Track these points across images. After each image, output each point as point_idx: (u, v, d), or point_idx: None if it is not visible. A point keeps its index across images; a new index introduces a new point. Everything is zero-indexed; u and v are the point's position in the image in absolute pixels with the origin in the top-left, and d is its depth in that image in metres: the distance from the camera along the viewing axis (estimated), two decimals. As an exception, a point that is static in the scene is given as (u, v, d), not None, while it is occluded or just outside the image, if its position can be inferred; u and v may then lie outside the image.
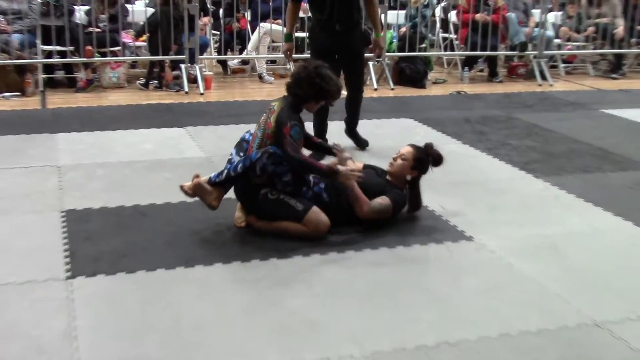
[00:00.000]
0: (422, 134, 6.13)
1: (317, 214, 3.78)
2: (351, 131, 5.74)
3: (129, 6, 8.42)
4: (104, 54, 7.88)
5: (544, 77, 9.02)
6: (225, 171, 3.87)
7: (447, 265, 3.57)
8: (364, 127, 5.98)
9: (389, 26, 9.10)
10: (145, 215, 4.13)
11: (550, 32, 9.45)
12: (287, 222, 3.80)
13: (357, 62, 5.56)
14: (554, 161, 5.42)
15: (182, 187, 3.89)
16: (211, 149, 5.53)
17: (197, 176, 3.88)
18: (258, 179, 3.79)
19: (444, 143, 5.87)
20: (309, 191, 3.92)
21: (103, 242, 3.71)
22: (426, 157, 4.15)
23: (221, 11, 9.02)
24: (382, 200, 3.95)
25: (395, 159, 4.14)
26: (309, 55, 5.64)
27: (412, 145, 4.19)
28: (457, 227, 4.03)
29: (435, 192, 4.60)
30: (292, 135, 3.80)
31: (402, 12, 9.18)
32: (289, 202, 3.79)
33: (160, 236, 3.81)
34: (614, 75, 9.50)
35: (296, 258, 3.57)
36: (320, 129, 5.45)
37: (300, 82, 3.93)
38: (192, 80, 8.12)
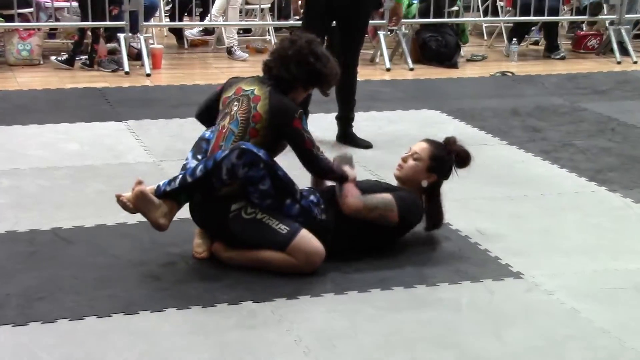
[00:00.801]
0: (453, 131, 6.18)
1: (307, 239, 3.83)
2: (346, 132, 5.82)
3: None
4: (9, 18, 7.91)
5: (625, 52, 9.08)
6: (180, 177, 3.91)
7: (486, 312, 3.60)
8: (372, 123, 6.05)
9: (407, -19, 9.17)
10: (69, 242, 4.16)
11: (635, -11, 9.52)
12: (267, 251, 3.85)
13: (361, 29, 5.64)
14: (638, 168, 5.48)
15: (119, 199, 3.92)
16: (161, 150, 5.57)
17: (140, 183, 3.90)
18: (225, 187, 3.84)
19: (482, 143, 5.93)
20: (294, 205, 3.95)
21: (10, 280, 3.73)
22: (447, 156, 4.21)
23: (175, -40, 9.06)
24: (378, 195, 4.02)
25: (405, 160, 4.18)
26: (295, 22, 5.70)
27: (428, 141, 4.24)
28: (499, 260, 4.08)
29: (469, 210, 4.64)
30: (307, 130, 3.92)
31: (427, -38, 9.26)
32: (269, 224, 3.84)
33: (90, 271, 3.83)
34: None
35: (278, 301, 3.60)
36: None
37: (287, 62, 3.99)
38: (135, 56, 8.17)
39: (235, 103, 4.02)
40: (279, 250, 3.81)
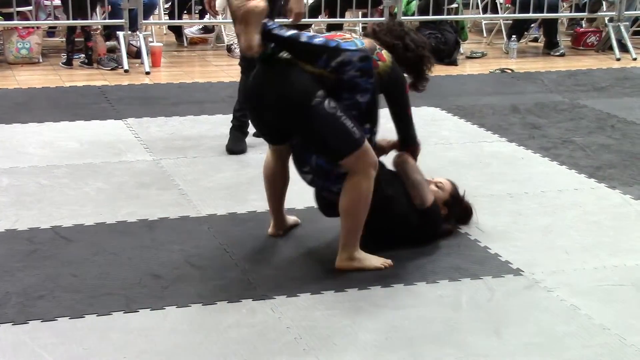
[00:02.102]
0: (453, 129, 6.19)
1: (370, 148, 3.85)
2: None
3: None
4: (8, 16, 7.92)
5: (624, 48, 9.09)
6: (294, 32, 3.79)
7: (486, 309, 3.61)
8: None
9: (407, -22, 9.18)
10: (69, 240, 4.17)
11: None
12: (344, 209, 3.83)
13: None
14: (637, 165, 5.49)
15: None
16: (160, 148, 5.58)
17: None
18: (321, 71, 3.76)
19: (482, 140, 5.94)
20: (370, 132, 3.95)
21: (9, 278, 3.74)
22: (461, 201, 4.40)
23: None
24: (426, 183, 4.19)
25: (429, 183, 4.25)
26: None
27: (450, 180, 4.41)
28: (499, 257, 4.09)
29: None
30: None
31: (426, -41, 9.26)
32: (345, 124, 3.74)
33: (89, 269, 3.84)
34: None
35: (278, 299, 3.61)
36: None
37: (407, 45, 4.04)
38: (134, 54, 8.18)
39: (355, 35, 4.03)
40: (345, 153, 3.75)
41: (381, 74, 3.88)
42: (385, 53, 3.92)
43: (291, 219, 4.34)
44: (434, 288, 3.77)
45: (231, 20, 8.95)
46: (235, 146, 5.56)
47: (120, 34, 7.97)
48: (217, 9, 8.74)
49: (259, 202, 4.60)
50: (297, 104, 3.74)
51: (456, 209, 4.37)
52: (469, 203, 4.45)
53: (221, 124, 6.05)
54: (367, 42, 3.90)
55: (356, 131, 3.76)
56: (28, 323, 3.37)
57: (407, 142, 4.19)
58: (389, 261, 3.94)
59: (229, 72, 7.98)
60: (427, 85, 4.24)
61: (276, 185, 4.17)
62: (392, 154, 4.23)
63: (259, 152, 5.38)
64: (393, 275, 3.85)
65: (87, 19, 7.94)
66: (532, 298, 3.71)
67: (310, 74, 3.75)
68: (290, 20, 5.26)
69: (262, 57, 3.77)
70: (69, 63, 8.01)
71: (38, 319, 3.40)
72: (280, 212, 4.23)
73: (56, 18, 8.37)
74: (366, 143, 3.79)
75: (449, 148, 5.73)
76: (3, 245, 4.08)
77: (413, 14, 8.89)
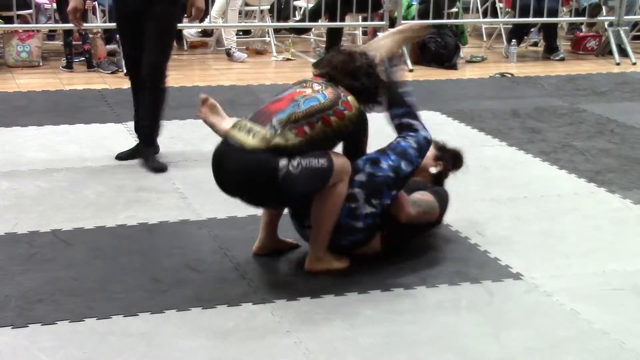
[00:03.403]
0: (453, 133, 6.19)
1: (336, 154, 3.85)
2: (148, 148, 5.40)
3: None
4: (8, 20, 7.93)
5: (623, 53, 9.10)
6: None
7: (486, 313, 3.61)
8: (371, 124, 6.00)
9: (407, -17, 9.19)
10: (68, 244, 4.17)
11: (634, -10, 9.54)
12: (320, 219, 3.84)
13: (165, 29, 5.32)
14: (637, 169, 5.49)
15: None
16: (161, 152, 5.57)
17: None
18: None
19: (482, 145, 5.95)
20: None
21: (9, 281, 3.74)
22: (447, 149, 4.44)
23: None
24: (421, 195, 4.07)
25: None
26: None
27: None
28: (499, 261, 4.09)
29: (469, 211, 4.65)
30: None
31: (426, -36, 9.27)
32: (313, 166, 3.72)
33: (89, 273, 3.85)
34: None
35: (278, 302, 3.61)
36: None
37: (355, 73, 3.96)
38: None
39: (317, 85, 3.92)
40: (325, 182, 3.74)
41: (347, 123, 3.82)
42: (350, 99, 3.86)
43: (287, 241, 4.19)
44: (433, 292, 3.77)
45: (231, 24, 8.99)
46: (159, 163, 5.32)
47: (120, 37, 7.96)
48: (214, 13, 8.79)
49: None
50: (262, 183, 3.71)
51: (447, 158, 4.38)
52: (456, 149, 4.48)
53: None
54: (329, 94, 3.83)
55: (324, 162, 3.73)
56: (28, 326, 3.37)
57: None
58: (347, 261, 3.98)
59: (229, 75, 7.99)
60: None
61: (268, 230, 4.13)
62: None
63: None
64: (392, 280, 3.85)
65: (86, 22, 7.93)
66: (532, 302, 3.71)
67: (264, 150, 3.67)
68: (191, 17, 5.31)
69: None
70: (69, 66, 8.03)
71: (38, 322, 3.40)
72: (272, 228, 4.11)
73: (56, 21, 8.37)
74: (335, 161, 3.77)
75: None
76: (3, 249, 4.08)
77: (413, 18, 8.90)
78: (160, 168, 5.23)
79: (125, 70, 7.76)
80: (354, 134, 3.92)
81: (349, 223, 3.89)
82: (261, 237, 4.10)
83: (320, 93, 3.83)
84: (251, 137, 3.69)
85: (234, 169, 3.74)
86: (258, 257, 4.06)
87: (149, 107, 5.31)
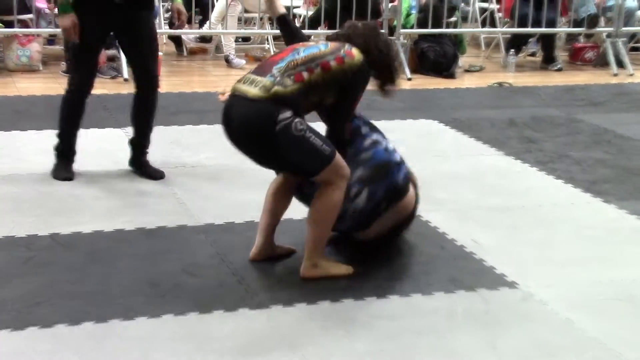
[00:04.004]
0: (450, 141, 6.21)
1: (341, 158, 3.84)
2: (140, 158, 5.34)
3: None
4: (9, 24, 7.94)
5: (621, 64, 9.12)
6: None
7: (482, 321, 3.62)
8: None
9: (406, -9, 9.21)
10: (66, 248, 4.18)
11: (632, 2, 9.55)
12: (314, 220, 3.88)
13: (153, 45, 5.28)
14: (633, 180, 5.51)
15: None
16: (159, 157, 5.57)
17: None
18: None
19: (479, 154, 5.96)
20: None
21: (6, 285, 3.74)
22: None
23: (175, -32, 9.09)
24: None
25: None
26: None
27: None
28: (495, 269, 4.10)
29: (465, 220, 4.66)
30: None
31: (425, -27, 9.29)
32: (315, 144, 3.73)
33: (87, 277, 3.85)
34: None
35: (274, 308, 3.62)
36: None
37: (375, 40, 3.98)
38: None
39: (322, 41, 4.02)
40: (317, 171, 3.78)
41: (346, 70, 3.80)
42: (355, 51, 3.86)
43: (284, 247, 4.20)
44: (429, 299, 3.78)
45: (231, 31, 9.00)
46: (60, 173, 5.16)
47: (121, 43, 7.97)
48: (213, 19, 8.80)
49: (257, 212, 4.61)
50: (259, 132, 3.73)
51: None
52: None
53: (221, 134, 6.05)
54: (332, 45, 3.86)
55: (326, 147, 3.75)
56: (25, 329, 3.37)
57: (336, 144, 3.93)
58: (351, 268, 3.97)
59: (228, 82, 7.97)
60: (393, 94, 4.11)
61: (277, 205, 4.11)
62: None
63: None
64: (388, 287, 3.87)
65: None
66: (527, 311, 3.72)
67: (266, 99, 3.69)
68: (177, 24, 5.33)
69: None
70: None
71: (35, 325, 3.40)
72: (270, 234, 4.11)
73: (57, 26, 8.35)
74: (337, 156, 3.79)
75: (446, 160, 5.75)
76: (1, 252, 4.08)
77: (412, 27, 8.93)
78: (159, 175, 5.24)
79: (125, 76, 7.79)
80: (350, 87, 3.87)
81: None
82: (258, 243, 4.10)
83: (323, 44, 3.90)
84: (253, 87, 3.74)
85: (237, 118, 3.78)
86: (255, 262, 4.06)
87: (150, 113, 5.29)
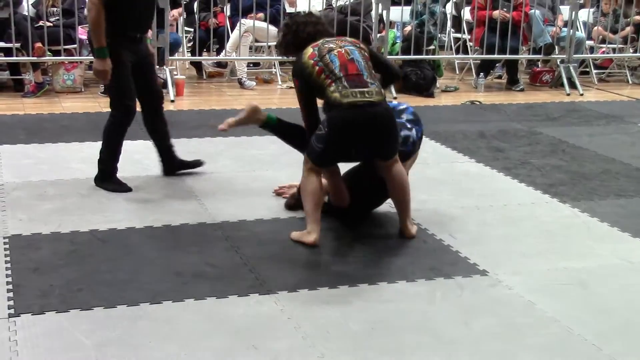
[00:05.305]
0: (430, 151, 6.19)
1: None
2: (175, 159, 5.33)
3: (86, -3, 8.50)
4: (57, 53, 7.94)
5: (573, 85, 9.12)
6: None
7: (457, 303, 3.61)
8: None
9: (391, 24, 9.21)
10: (104, 242, 4.16)
11: (581, 33, 9.56)
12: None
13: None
14: (584, 183, 5.49)
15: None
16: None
17: None
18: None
19: (454, 161, 5.95)
20: None
21: (53, 273, 3.74)
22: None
23: (195, 4, 9.08)
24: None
25: None
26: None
27: None
28: (468, 260, 4.09)
29: (443, 217, 4.65)
30: None
31: (407, 8, 9.28)
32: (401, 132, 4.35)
33: (121, 267, 3.84)
34: (655, 84, 9.63)
35: (281, 294, 3.60)
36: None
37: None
38: (161, 84, 8.17)
39: (332, 44, 4.20)
40: (394, 155, 4.22)
41: (368, 48, 4.33)
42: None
43: None
44: (412, 286, 3.77)
45: (243, 57, 8.98)
46: (122, 186, 5.02)
47: (150, 68, 7.97)
48: (229, 47, 8.79)
49: (265, 211, 4.61)
50: (393, 123, 4.15)
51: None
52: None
53: (234, 145, 6.07)
54: (349, 42, 4.26)
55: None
56: (69, 312, 3.36)
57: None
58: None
59: (241, 101, 7.98)
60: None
61: (322, 199, 4.19)
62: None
63: (265, 168, 5.42)
64: (378, 275, 3.85)
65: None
66: (495, 295, 3.71)
67: (384, 99, 4.14)
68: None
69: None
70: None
71: (77, 308, 3.40)
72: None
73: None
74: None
75: (427, 167, 5.73)
76: (48, 246, 4.07)
77: (397, 54, 8.92)
78: (199, 162, 5.32)
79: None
80: (372, 52, 4.37)
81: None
82: (318, 230, 4.11)
83: (349, 44, 4.19)
84: (369, 95, 3.99)
85: (379, 116, 4.02)
86: (264, 254, 4.05)
87: (166, 121, 5.25)
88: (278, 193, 4.82)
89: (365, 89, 3.99)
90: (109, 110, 5.09)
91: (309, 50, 4.13)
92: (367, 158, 4.30)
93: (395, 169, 4.18)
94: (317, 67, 4.06)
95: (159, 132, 5.25)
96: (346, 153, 4.18)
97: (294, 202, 4.55)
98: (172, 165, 5.31)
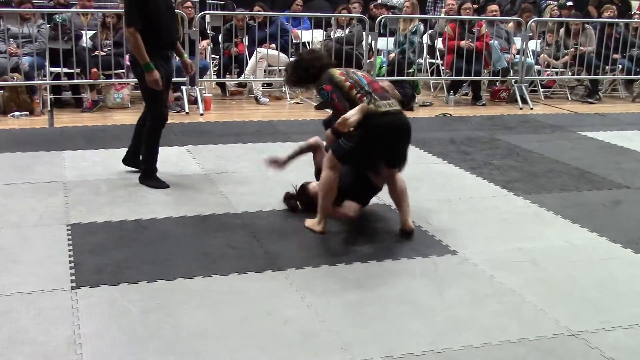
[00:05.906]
0: (411, 154, 6.16)
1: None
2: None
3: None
4: (109, 76, 7.92)
5: (524, 101, 9.10)
6: None
7: (433, 277, 3.59)
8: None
9: (378, 52, 9.18)
10: (146, 228, 4.14)
11: (530, 59, 9.55)
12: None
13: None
14: (534, 180, 5.46)
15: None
16: (210, 166, 5.55)
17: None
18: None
19: (430, 162, 5.92)
20: None
21: (106, 254, 3.72)
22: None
23: (220, 36, 9.09)
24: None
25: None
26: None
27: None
28: (442, 242, 4.07)
29: (421, 208, 4.63)
30: None
31: (392, 39, 9.26)
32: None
33: (161, 249, 3.82)
34: (590, 100, 9.60)
35: (290, 270, 3.59)
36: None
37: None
38: (193, 101, 8.16)
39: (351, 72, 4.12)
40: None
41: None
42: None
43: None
44: (396, 264, 3.75)
45: (259, 79, 8.93)
46: (161, 183, 4.94)
47: (183, 87, 7.96)
48: (247, 71, 8.76)
49: (277, 204, 4.59)
50: (410, 131, 4.09)
51: None
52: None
53: (251, 150, 6.04)
54: (360, 75, 4.12)
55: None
56: (119, 285, 3.35)
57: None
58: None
59: (256, 114, 7.97)
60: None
61: (335, 195, 4.06)
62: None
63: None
64: (369, 255, 3.83)
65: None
66: (464, 270, 3.69)
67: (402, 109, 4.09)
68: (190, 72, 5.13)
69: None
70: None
71: (125, 282, 3.39)
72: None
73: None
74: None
75: (408, 168, 5.67)
76: (102, 232, 4.06)
77: (383, 75, 8.89)
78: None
79: (186, 110, 7.77)
80: None
81: None
82: (325, 221, 4.07)
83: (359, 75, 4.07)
84: (394, 105, 4.00)
85: (407, 124, 4.02)
86: (276, 238, 4.03)
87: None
88: (270, 162, 4.57)
89: (390, 101, 3.96)
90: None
91: (337, 70, 4.03)
92: (378, 164, 4.15)
93: (398, 176, 4.15)
94: (348, 83, 3.94)
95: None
96: (370, 154, 4.02)
97: (295, 204, 4.46)
98: (130, 159, 5.21)
